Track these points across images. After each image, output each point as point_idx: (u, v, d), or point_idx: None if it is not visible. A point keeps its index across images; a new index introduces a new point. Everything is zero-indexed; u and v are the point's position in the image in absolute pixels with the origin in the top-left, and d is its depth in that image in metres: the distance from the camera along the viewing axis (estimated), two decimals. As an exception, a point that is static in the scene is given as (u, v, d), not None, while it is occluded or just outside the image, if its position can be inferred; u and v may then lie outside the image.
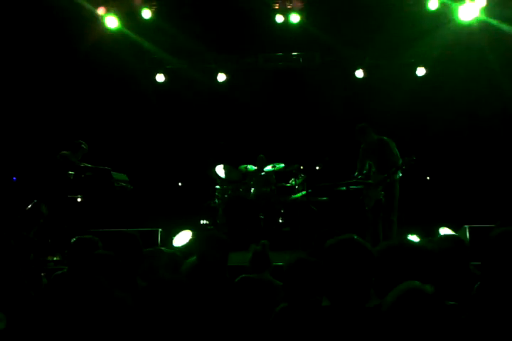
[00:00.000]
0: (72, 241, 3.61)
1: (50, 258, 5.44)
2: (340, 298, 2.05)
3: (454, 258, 2.83)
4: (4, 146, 8.32)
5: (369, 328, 1.91)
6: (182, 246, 5.96)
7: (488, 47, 8.22)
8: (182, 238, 6.10)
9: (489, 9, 7.50)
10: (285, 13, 8.45)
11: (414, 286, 1.69)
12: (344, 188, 6.28)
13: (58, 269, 4.04)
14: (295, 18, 8.43)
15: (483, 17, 7.61)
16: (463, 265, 2.85)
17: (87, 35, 8.28)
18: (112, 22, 8.09)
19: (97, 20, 8.08)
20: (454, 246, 2.88)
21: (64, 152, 6.74)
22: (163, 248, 3.87)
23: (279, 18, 8.45)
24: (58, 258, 5.54)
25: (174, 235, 6.17)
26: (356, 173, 6.67)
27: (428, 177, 9.13)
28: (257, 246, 3.72)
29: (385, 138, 6.49)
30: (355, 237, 2.14)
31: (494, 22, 7.73)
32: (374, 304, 2.03)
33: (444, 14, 7.93)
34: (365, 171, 6.59)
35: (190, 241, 5.94)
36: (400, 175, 6.30)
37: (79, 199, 6.66)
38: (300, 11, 8.47)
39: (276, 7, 8.52)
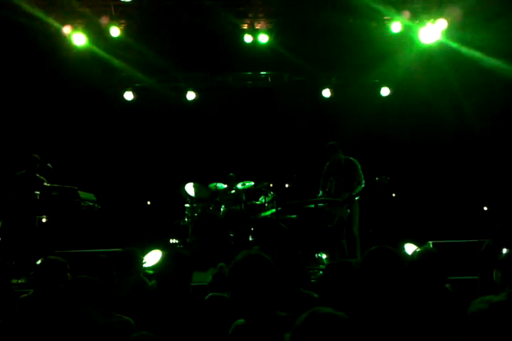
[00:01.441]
0: (39, 262, 3.52)
1: (14, 281, 5.25)
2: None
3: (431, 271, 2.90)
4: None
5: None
6: (152, 266, 5.87)
7: (449, 69, 8.55)
8: (152, 258, 6.01)
9: (449, 32, 7.84)
10: (254, 33, 8.59)
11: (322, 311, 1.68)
12: (313, 206, 6.35)
13: (23, 292, 3.92)
14: (263, 38, 8.58)
15: (444, 39, 7.94)
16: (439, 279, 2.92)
17: (55, 52, 8.22)
18: (79, 39, 8.06)
19: (65, 38, 8.03)
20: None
21: (19, 172, 6.58)
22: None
23: (248, 38, 8.58)
24: (23, 281, 5.36)
25: (144, 255, 6.07)
26: (320, 192, 6.81)
27: (393, 194, 9.33)
28: (214, 269, 3.78)
29: (353, 158, 6.68)
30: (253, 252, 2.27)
31: (454, 44, 8.06)
32: None
33: (407, 36, 8.23)
34: (327, 189, 6.76)
35: (160, 260, 5.87)
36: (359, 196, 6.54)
37: (44, 220, 6.51)
38: (268, 31, 8.64)
39: (245, 27, 8.66)
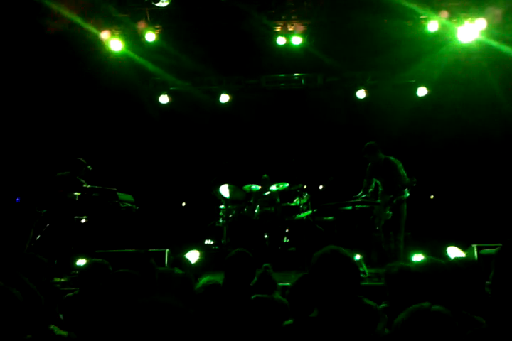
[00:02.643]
0: (84, 264, 3.61)
1: (56, 279, 5.39)
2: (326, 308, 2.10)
3: (468, 279, 2.83)
4: (9, 166, 8.34)
5: None
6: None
7: (488, 68, 8.35)
8: (190, 258, 6.06)
9: (489, 31, 7.64)
10: (287, 35, 8.59)
11: (425, 307, 1.69)
12: (350, 208, 6.27)
13: (66, 291, 4.01)
14: (296, 40, 8.55)
15: (483, 38, 7.75)
16: (478, 285, 2.85)
17: (92, 57, 8.40)
18: (116, 45, 8.22)
19: (102, 44, 8.21)
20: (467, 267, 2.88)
21: (59, 173, 6.74)
22: (175, 269, 3.86)
23: (281, 40, 8.58)
24: (65, 280, 5.49)
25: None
26: (361, 192, 6.67)
27: (432, 196, 9.14)
28: (259, 269, 3.78)
29: (392, 158, 6.52)
30: (336, 248, 2.21)
31: (494, 43, 7.86)
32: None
33: (444, 35, 8.07)
34: (371, 189, 6.60)
35: (198, 261, 5.91)
36: (408, 194, 6.31)
37: (83, 220, 6.66)
38: (301, 34, 8.61)
39: (278, 30, 8.66)
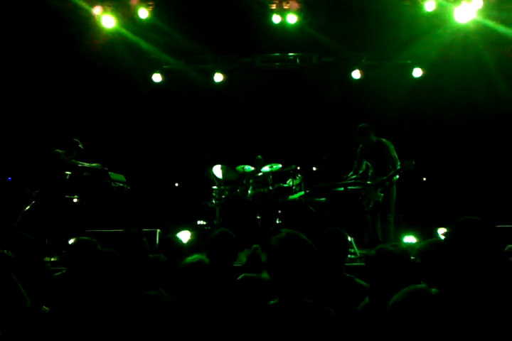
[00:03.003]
0: (71, 242, 3.58)
1: (47, 259, 5.39)
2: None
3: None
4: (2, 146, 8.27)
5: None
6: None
7: (485, 49, 8.25)
8: (181, 238, 6.07)
9: (485, 11, 7.53)
10: (282, 13, 8.44)
11: (419, 288, 1.70)
12: (342, 189, 6.26)
13: (56, 270, 4.01)
14: (292, 18, 8.42)
15: (480, 18, 7.64)
16: None
17: (84, 34, 8.25)
18: (108, 21, 8.06)
19: (94, 20, 8.05)
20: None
21: (57, 150, 6.69)
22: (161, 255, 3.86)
23: (276, 19, 8.44)
24: (56, 259, 5.50)
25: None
26: (351, 173, 6.68)
27: (424, 178, 9.15)
28: (248, 250, 3.80)
29: (384, 140, 6.50)
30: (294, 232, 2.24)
31: (490, 23, 7.75)
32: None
33: (441, 15, 7.95)
34: (361, 171, 6.60)
35: (189, 241, 5.93)
36: (397, 177, 6.33)
37: (75, 200, 6.63)
38: (297, 12, 8.46)
39: (273, 7, 8.51)
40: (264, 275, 3.74)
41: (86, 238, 3.71)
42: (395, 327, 1.68)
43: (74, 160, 6.73)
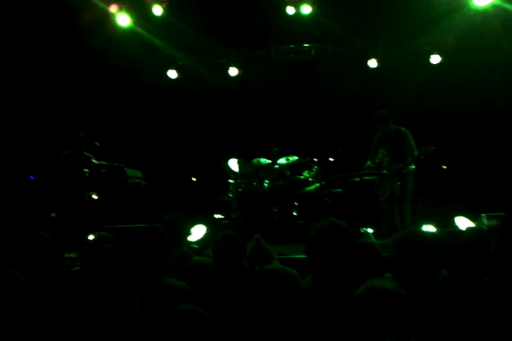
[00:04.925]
0: (91, 238, 3.67)
1: (66, 255, 5.51)
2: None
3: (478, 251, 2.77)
4: (20, 145, 8.44)
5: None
6: (197, 241, 5.98)
7: (503, 34, 8.01)
8: (197, 232, 6.11)
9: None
10: (296, 4, 8.38)
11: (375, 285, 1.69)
12: (358, 179, 6.22)
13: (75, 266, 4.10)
14: (306, 9, 8.36)
15: (498, 2, 7.43)
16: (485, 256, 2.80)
17: (99, 32, 8.35)
18: (123, 20, 8.14)
19: (109, 18, 8.13)
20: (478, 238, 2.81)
21: (65, 152, 6.77)
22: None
23: (290, 10, 8.40)
24: (75, 256, 5.61)
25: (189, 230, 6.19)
26: (368, 162, 6.61)
27: (444, 167, 8.99)
28: (250, 241, 3.77)
29: (403, 128, 6.43)
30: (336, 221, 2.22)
31: (510, 7, 7.53)
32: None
33: (458, -1, 7.77)
34: (377, 160, 6.51)
35: (205, 235, 5.96)
36: (414, 167, 6.26)
37: (94, 197, 6.75)
38: (311, 2, 8.39)
39: (287, -1, 8.45)
40: (275, 264, 3.73)
41: (103, 233, 3.79)
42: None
43: (88, 154, 6.76)
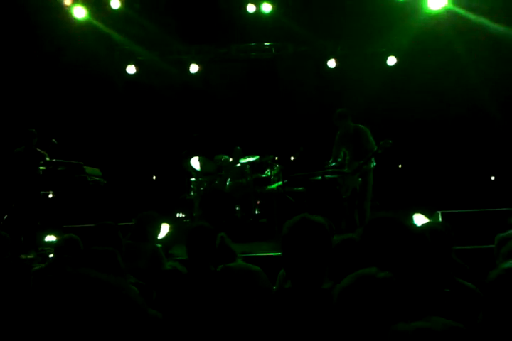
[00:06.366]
0: (58, 240, 3.59)
1: (23, 256, 5.31)
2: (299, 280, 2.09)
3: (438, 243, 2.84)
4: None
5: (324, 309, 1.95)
6: (160, 240, 5.90)
7: (456, 37, 8.35)
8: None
9: (457, -1, 7.62)
10: (257, 2, 8.41)
11: (367, 273, 1.67)
12: (320, 178, 6.31)
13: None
14: (267, 7, 8.42)
15: (451, 6, 7.72)
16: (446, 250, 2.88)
17: (55, 26, 8.07)
18: (79, 12, 7.91)
19: (65, 11, 7.88)
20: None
21: (17, 149, 6.49)
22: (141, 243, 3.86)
23: (251, 8, 8.42)
24: (32, 256, 5.42)
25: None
26: (331, 160, 6.71)
27: (400, 165, 9.28)
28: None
29: (361, 126, 6.56)
30: (310, 216, 2.16)
31: (461, 11, 7.84)
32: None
33: (414, 3, 8.02)
34: (339, 159, 6.63)
35: (168, 234, 5.90)
36: (374, 163, 6.39)
37: (50, 195, 6.53)
38: (271, 1, 8.45)
39: (248, -4, 8.47)
40: (239, 262, 3.75)
41: (72, 235, 3.72)
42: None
43: (42, 151, 6.51)
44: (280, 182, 7.45)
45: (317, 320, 1.97)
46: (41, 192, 6.41)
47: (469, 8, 7.76)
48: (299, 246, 2.06)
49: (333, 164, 6.58)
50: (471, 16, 7.81)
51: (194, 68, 9.52)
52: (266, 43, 9.69)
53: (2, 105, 8.36)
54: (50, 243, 5.78)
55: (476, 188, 8.11)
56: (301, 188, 7.56)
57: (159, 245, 5.13)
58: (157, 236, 4.34)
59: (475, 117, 9.01)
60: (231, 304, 2.70)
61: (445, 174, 8.68)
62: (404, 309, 1.62)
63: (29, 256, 5.37)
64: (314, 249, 2.05)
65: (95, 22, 8.38)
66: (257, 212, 7.47)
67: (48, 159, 6.51)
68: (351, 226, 6.47)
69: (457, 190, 7.98)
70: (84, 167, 6.58)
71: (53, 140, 6.60)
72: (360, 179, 6.31)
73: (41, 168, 6.40)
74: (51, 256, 4.20)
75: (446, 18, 7.97)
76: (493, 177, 9.09)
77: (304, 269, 2.07)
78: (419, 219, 5.98)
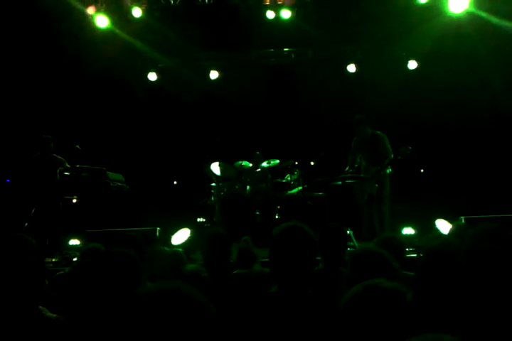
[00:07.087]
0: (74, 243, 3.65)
1: (48, 259, 5.42)
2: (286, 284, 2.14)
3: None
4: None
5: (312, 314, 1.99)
6: (181, 245, 5.97)
7: (478, 40, 8.25)
8: (180, 236, 6.10)
9: (479, 2, 7.54)
10: (276, 8, 8.46)
11: (375, 283, 1.63)
12: (340, 183, 6.29)
13: (57, 271, 4.04)
14: (286, 13, 8.45)
15: (473, 9, 7.64)
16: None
17: (78, 34, 8.24)
18: (102, 21, 8.07)
19: (88, 20, 8.05)
20: None
21: (35, 155, 6.64)
22: (165, 247, 3.89)
23: (270, 14, 8.47)
24: (56, 260, 5.52)
25: (172, 234, 6.17)
26: (347, 168, 6.72)
27: (422, 170, 9.17)
28: (239, 244, 3.80)
29: (379, 132, 6.55)
30: (298, 224, 2.24)
31: (483, 14, 7.76)
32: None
33: (434, 6, 7.97)
34: (356, 165, 6.65)
35: (189, 239, 5.95)
36: (390, 170, 6.39)
37: (74, 200, 6.64)
38: (291, 7, 8.48)
39: (267, 3, 8.53)
40: (256, 268, 3.77)
41: (96, 244, 3.76)
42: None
43: (60, 157, 6.63)
44: (300, 187, 7.45)
45: (302, 323, 2.03)
46: (65, 197, 6.54)
47: (491, 11, 7.67)
48: (286, 251, 2.15)
49: (351, 170, 6.58)
50: (493, 19, 7.72)
51: (214, 74, 9.61)
52: (285, 49, 9.73)
53: (27, 112, 8.56)
54: (74, 247, 5.89)
55: (499, 193, 7.97)
56: (321, 193, 7.55)
57: (180, 249, 5.20)
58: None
59: (497, 122, 8.87)
60: (235, 308, 2.73)
61: (468, 179, 8.55)
62: (416, 322, 1.60)
63: (54, 260, 5.48)
64: (300, 255, 2.14)
65: (117, 30, 8.52)
66: (277, 217, 7.48)
67: (67, 165, 6.66)
68: (371, 232, 6.44)
69: (481, 194, 7.85)
70: (107, 172, 6.68)
71: (77, 146, 6.72)
72: (377, 185, 6.30)
73: (65, 173, 6.52)
74: (75, 259, 4.27)
75: (468, 21, 7.89)
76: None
77: (290, 273, 2.13)
78: (442, 225, 5.93)
